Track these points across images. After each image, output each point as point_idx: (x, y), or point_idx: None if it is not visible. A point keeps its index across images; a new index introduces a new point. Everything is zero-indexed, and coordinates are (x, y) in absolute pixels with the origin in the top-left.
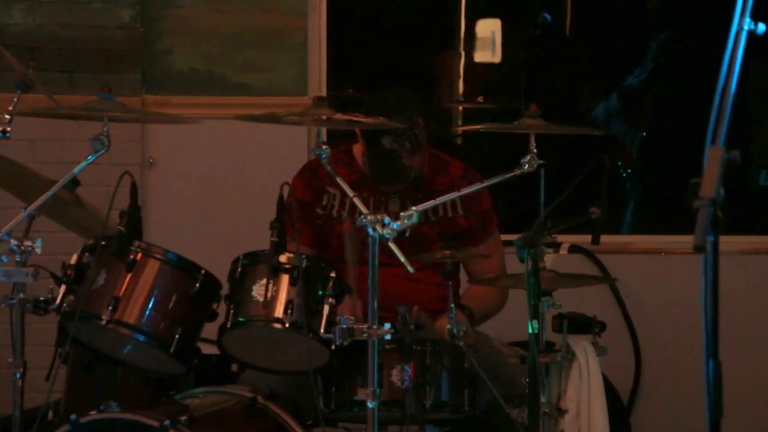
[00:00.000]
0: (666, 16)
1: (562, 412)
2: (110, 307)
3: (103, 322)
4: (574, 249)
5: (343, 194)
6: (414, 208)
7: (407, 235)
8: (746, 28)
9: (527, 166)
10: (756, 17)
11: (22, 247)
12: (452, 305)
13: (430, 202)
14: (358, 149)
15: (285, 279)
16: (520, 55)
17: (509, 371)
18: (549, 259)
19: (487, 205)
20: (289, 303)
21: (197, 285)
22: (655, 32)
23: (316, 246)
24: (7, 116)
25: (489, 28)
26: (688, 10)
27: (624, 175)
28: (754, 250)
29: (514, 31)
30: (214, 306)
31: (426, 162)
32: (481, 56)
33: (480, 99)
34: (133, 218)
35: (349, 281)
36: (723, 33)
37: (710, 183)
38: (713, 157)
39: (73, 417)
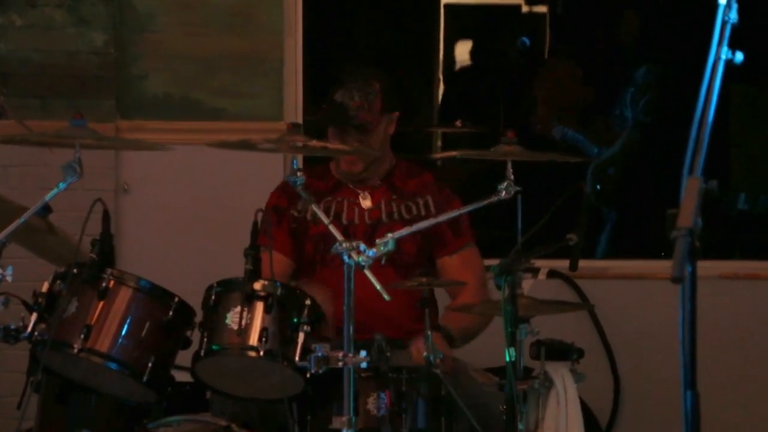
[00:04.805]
0: (642, 44)
1: None
2: (82, 336)
3: (75, 351)
4: (552, 274)
5: (318, 198)
6: (390, 235)
7: (382, 262)
8: (724, 57)
9: (504, 192)
10: (733, 46)
11: None
12: (428, 332)
13: (406, 229)
14: (333, 165)
15: (259, 307)
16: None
17: (486, 399)
18: (527, 285)
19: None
20: (263, 331)
21: (170, 313)
22: (645, 63)
23: (292, 252)
24: None
25: (467, 52)
26: (664, 39)
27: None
28: (733, 275)
29: (492, 55)
30: (188, 333)
31: (379, 130)
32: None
33: (458, 123)
34: (106, 245)
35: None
36: (700, 62)
37: (687, 213)
38: (691, 188)
39: None
